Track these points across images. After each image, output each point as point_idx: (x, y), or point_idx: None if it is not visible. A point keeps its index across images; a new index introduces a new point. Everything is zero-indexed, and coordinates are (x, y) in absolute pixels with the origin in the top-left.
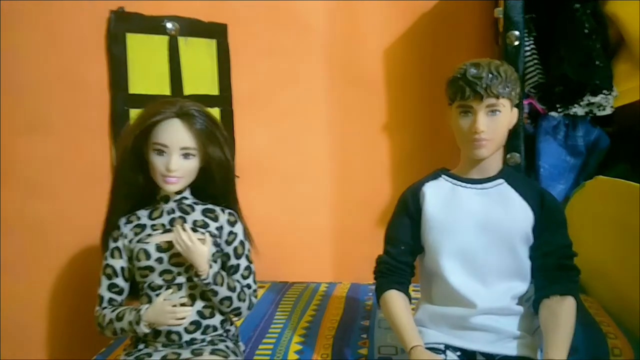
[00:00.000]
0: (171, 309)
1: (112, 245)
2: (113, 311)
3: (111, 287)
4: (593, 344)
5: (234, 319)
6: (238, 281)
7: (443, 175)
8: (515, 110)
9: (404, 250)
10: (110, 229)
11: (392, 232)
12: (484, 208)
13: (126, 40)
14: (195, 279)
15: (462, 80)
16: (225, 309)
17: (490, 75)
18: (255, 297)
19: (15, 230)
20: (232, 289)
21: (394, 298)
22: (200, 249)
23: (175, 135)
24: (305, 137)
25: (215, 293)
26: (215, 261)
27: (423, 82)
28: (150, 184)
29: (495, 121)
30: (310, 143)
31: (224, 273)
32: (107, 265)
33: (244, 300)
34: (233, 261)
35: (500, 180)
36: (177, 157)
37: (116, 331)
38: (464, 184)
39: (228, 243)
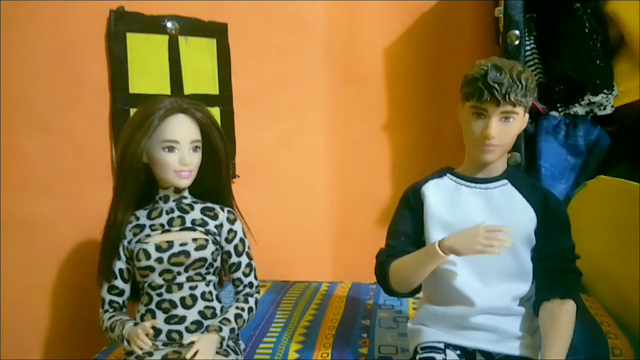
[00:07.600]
0: (139, 332)
1: None
2: (109, 319)
3: (111, 289)
4: (593, 343)
5: None
6: (239, 279)
7: (448, 174)
8: (527, 115)
9: (404, 242)
10: (115, 238)
11: (394, 226)
12: (486, 208)
13: (126, 40)
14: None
15: (482, 82)
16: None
17: (511, 82)
18: (259, 292)
19: (15, 230)
20: (237, 318)
21: (399, 260)
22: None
23: (185, 130)
24: (306, 137)
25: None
26: (215, 259)
27: (423, 81)
28: (149, 184)
29: (508, 127)
30: (310, 143)
31: (231, 317)
32: None
33: (251, 310)
34: (234, 259)
35: (504, 181)
36: (189, 151)
37: (111, 339)
38: (467, 184)
39: (228, 241)
